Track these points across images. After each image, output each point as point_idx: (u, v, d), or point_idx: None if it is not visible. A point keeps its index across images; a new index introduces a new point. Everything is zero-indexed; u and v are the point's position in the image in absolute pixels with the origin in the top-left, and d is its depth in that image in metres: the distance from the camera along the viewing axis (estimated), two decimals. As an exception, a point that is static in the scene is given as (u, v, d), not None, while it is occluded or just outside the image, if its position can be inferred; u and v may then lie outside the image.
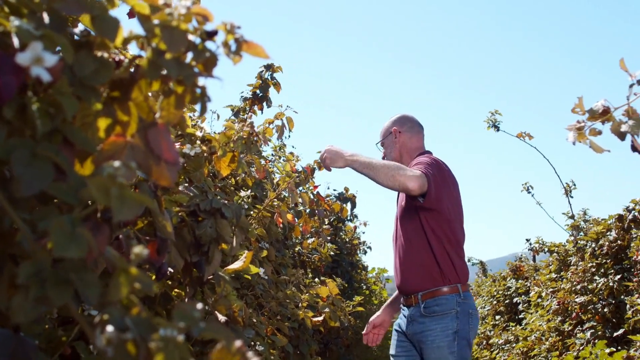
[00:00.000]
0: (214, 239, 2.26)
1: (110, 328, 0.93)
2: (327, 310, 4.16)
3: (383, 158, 4.07)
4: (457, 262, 3.67)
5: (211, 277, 2.38)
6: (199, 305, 0.97)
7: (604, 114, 2.05)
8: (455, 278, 3.63)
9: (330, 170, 3.69)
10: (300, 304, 4.15)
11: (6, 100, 0.93)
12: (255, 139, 2.63)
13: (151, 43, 1.08)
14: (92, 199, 0.93)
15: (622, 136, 2.00)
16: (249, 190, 3.69)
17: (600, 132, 2.06)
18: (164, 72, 1.07)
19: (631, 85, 1.97)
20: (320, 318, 4.11)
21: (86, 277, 0.91)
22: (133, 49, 1.20)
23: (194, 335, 0.94)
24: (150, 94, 1.16)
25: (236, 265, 2.56)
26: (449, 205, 3.68)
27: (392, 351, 3.93)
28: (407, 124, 4.05)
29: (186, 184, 2.41)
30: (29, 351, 1.09)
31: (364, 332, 4.07)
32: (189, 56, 1.11)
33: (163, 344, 0.91)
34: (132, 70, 1.13)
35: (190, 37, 1.09)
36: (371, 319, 4.09)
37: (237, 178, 3.75)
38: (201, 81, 1.13)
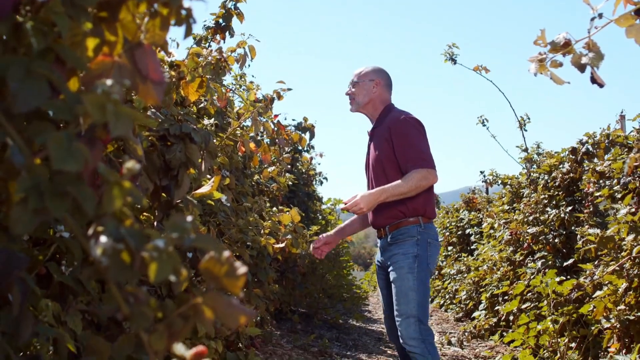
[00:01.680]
0: (183, 163, 2.30)
1: (103, 239, 0.98)
2: (289, 237, 4.23)
3: (347, 94, 4.32)
4: (424, 200, 4.06)
5: (179, 201, 2.42)
6: (189, 218, 1.01)
7: (565, 47, 2.12)
8: (420, 212, 4.03)
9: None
10: (262, 231, 4.21)
11: (2, 18, 0.95)
12: (223, 64, 2.65)
13: (139, -36, 1.10)
14: (86, 115, 0.96)
15: (582, 68, 2.07)
16: (212, 119, 3.70)
17: (561, 64, 2.13)
18: (152, -7, 1.10)
19: (592, 19, 2.03)
20: (282, 245, 4.19)
21: (83, 190, 0.95)
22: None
23: (186, 245, 0.98)
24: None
25: (204, 189, 2.60)
26: None
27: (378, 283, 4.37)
28: (385, 79, 4.37)
29: (153, 110, 2.43)
30: (21, 263, 1.13)
31: (313, 244, 4.37)
32: (175, -22, 1.13)
33: (157, 253, 0.96)
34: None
35: (177, -41, 1.11)
36: (323, 235, 4.40)
37: (199, 106, 3.76)
38: (186, 3, 1.16)
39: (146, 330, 1.02)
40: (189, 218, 1.01)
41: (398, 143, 4.05)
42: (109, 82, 0.97)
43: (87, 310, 2.16)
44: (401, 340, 3.91)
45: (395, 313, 3.95)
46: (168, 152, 2.25)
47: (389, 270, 4.03)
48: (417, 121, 4.14)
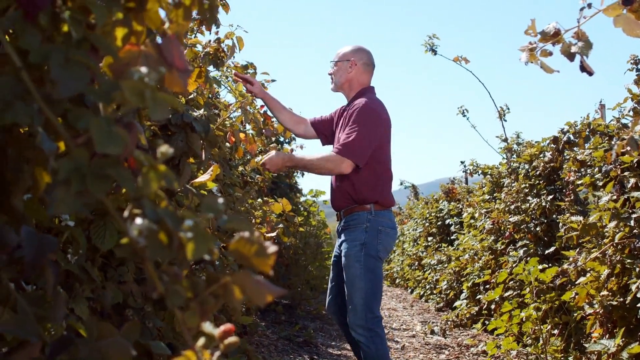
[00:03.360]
0: (185, 152, 2.34)
1: (139, 220, 1.02)
2: (280, 226, 4.28)
3: (329, 74, 4.42)
4: (378, 187, 4.17)
5: (179, 190, 2.46)
6: (221, 200, 1.06)
7: (555, 36, 2.18)
8: (372, 199, 4.12)
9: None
10: (254, 221, 4.26)
11: (42, 8, 0.98)
12: (222, 55, 2.68)
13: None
14: (124, 101, 1.00)
15: (571, 57, 2.14)
16: (202, 110, 3.73)
17: (551, 53, 2.20)
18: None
19: (582, 9, 2.09)
20: (274, 234, 4.24)
21: (122, 172, 0.99)
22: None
23: (220, 225, 1.03)
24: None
25: (203, 178, 2.63)
26: (382, 147, 4.22)
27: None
28: (364, 59, 4.40)
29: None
30: (52, 246, 1.17)
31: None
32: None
33: (193, 233, 1.00)
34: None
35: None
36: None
37: (188, 97, 3.78)
38: (208, -6, 1.20)
39: (180, 308, 1.07)
40: (221, 200, 1.05)
41: (344, 125, 4.18)
42: (143, 69, 1.01)
43: (92, 297, 2.19)
44: (350, 328, 4.05)
45: (346, 300, 4.09)
46: (170, 142, 2.29)
47: (341, 255, 4.16)
48: (374, 111, 4.19)
